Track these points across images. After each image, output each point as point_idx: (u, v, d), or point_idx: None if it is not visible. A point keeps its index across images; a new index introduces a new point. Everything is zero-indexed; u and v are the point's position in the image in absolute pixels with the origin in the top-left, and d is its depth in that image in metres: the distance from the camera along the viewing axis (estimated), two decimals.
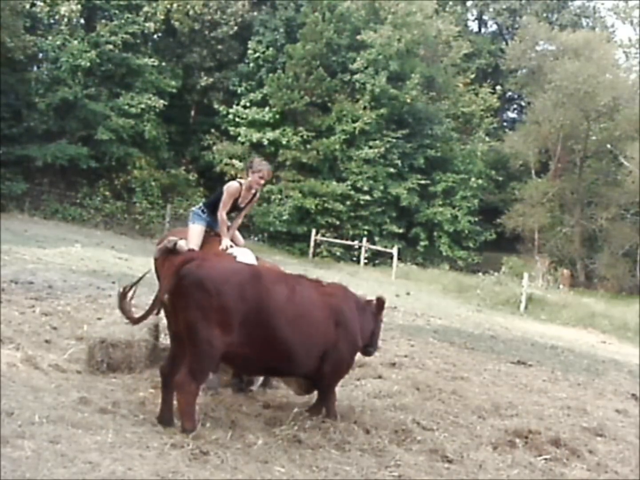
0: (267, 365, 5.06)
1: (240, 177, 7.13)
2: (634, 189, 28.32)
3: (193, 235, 6.09)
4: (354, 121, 28.05)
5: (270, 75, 28.40)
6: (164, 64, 28.19)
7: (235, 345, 4.68)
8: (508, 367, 9.29)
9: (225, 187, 6.21)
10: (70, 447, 3.95)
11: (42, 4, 25.92)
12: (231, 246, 6.08)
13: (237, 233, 6.46)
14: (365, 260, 26.56)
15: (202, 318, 4.55)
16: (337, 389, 5.62)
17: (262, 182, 6.23)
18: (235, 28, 29.35)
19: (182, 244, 6.10)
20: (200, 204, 6.43)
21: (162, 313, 6.81)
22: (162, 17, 27.50)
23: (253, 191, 6.26)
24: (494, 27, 43.28)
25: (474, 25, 43.54)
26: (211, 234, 6.22)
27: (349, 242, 27.28)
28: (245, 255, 5.84)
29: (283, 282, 5.04)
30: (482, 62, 37.27)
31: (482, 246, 29.93)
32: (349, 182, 27.85)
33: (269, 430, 4.91)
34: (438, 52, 33.51)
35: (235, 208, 6.29)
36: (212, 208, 6.21)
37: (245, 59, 30.35)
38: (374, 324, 5.72)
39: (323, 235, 26.95)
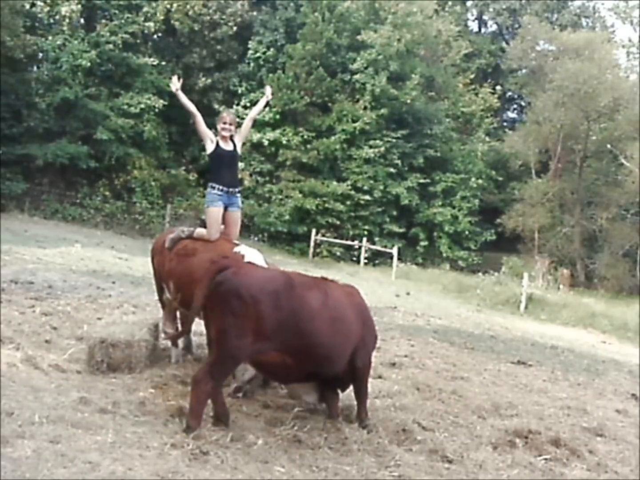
0: (308, 371, 5.10)
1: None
2: (634, 189, 28.31)
3: (212, 220, 6.25)
4: (354, 121, 28.05)
5: (271, 75, 28.41)
6: (163, 63, 28.20)
7: (273, 354, 4.75)
8: (508, 367, 9.29)
9: None
10: (70, 447, 3.96)
11: (42, 4, 25.93)
12: (238, 244, 6.11)
13: (235, 230, 6.48)
14: (365, 260, 26.57)
15: (234, 325, 4.58)
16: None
17: (226, 126, 6.43)
18: (235, 28, 29.35)
19: (201, 231, 6.18)
20: (209, 183, 6.50)
21: (161, 314, 6.89)
22: (162, 17, 27.49)
23: (228, 137, 6.46)
24: (494, 27, 43.28)
25: (474, 25, 43.57)
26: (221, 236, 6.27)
27: (349, 242, 27.28)
28: (253, 255, 5.83)
29: (315, 286, 5.10)
30: (482, 62, 37.26)
31: (482, 246, 29.92)
32: (349, 182, 27.85)
33: (269, 430, 4.91)
34: (438, 52, 33.50)
35: (225, 158, 6.43)
36: (214, 176, 6.41)
37: (246, 59, 30.36)
38: None
39: (323, 235, 26.95)
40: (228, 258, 5.03)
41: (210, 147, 6.42)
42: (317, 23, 28.50)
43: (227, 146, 6.47)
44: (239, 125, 6.72)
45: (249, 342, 4.61)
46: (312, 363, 5.00)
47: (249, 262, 5.30)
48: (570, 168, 32.70)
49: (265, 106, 7.35)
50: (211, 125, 6.69)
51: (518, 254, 29.34)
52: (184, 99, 6.53)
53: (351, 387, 5.50)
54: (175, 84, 6.49)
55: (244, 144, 6.94)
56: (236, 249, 5.94)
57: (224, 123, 6.44)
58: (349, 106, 28.36)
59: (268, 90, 7.19)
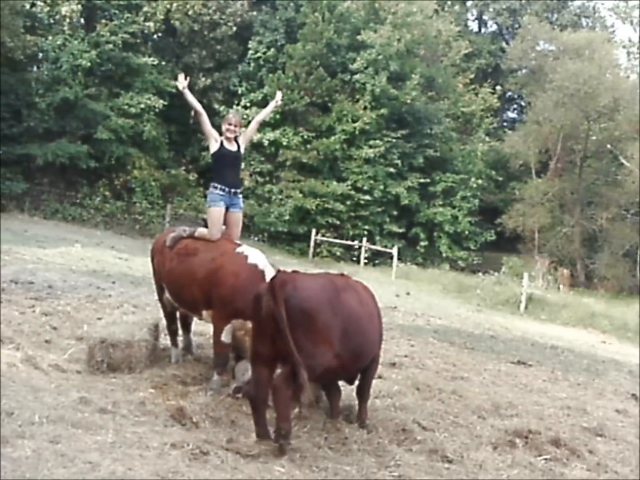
0: (357, 369, 5.24)
1: None
2: (634, 189, 28.32)
3: (213, 220, 6.23)
4: (354, 121, 28.05)
5: (271, 75, 28.43)
6: (163, 63, 28.22)
7: (335, 359, 4.81)
8: (508, 367, 9.29)
9: None
10: (70, 447, 3.95)
11: (42, 4, 25.95)
12: (240, 244, 6.11)
13: (237, 230, 6.47)
14: (365, 260, 26.56)
15: (306, 339, 4.62)
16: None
17: (232, 127, 6.42)
18: (235, 28, 29.36)
19: (202, 231, 6.17)
20: (211, 183, 6.48)
21: (161, 314, 6.89)
22: (162, 17, 27.50)
23: (232, 138, 6.46)
24: (494, 27, 43.28)
25: (474, 25, 43.58)
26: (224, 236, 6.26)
27: (349, 242, 27.28)
28: (256, 255, 5.83)
29: (348, 286, 5.16)
30: (482, 62, 37.26)
31: (482, 246, 29.92)
32: (349, 182, 27.85)
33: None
34: (438, 52, 33.52)
35: (228, 158, 6.41)
36: (216, 176, 6.38)
37: (246, 59, 30.37)
38: None
39: (323, 235, 26.95)
40: (282, 272, 4.94)
41: (214, 147, 6.40)
42: (317, 23, 28.50)
43: (232, 147, 6.45)
44: (247, 124, 6.73)
45: (323, 351, 4.70)
46: (361, 361, 5.17)
47: (295, 271, 5.19)
48: (570, 168, 32.71)
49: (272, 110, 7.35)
50: (214, 126, 6.70)
51: (518, 254, 29.34)
52: (190, 97, 6.48)
53: (352, 388, 5.50)
54: (182, 82, 6.42)
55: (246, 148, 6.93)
56: (238, 249, 5.93)
57: (230, 124, 6.41)
58: (349, 106, 28.37)
59: (279, 95, 7.22)
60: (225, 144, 6.41)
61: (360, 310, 5.07)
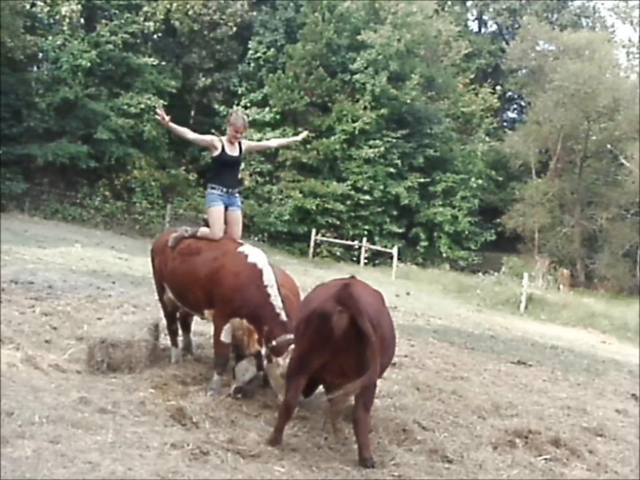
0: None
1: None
2: (634, 189, 28.32)
3: (214, 219, 6.20)
4: (354, 121, 28.05)
5: (271, 75, 28.42)
6: (163, 63, 28.22)
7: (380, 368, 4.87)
8: (508, 367, 9.29)
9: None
10: (70, 447, 3.95)
11: (42, 4, 25.95)
12: (242, 244, 6.11)
13: (237, 228, 6.45)
14: (365, 260, 26.56)
15: (372, 353, 4.59)
16: None
17: (237, 134, 6.32)
18: (235, 28, 29.37)
19: (205, 230, 6.18)
20: (210, 184, 6.44)
21: (161, 314, 6.89)
22: (162, 17, 27.50)
23: (236, 144, 6.36)
24: (494, 27, 43.30)
25: (474, 25, 43.60)
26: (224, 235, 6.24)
27: (349, 242, 27.28)
28: (257, 254, 5.83)
29: (370, 290, 5.15)
30: (482, 62, 37.27)
31: (482, 246, 29.92)
32: (349, 182, 27.86)
33: (269, 430, 4.91)
34: (438, 52, 33.51)
35: (228, 163, 6.34)
36: (215, 178, 6.34)
37: (246, 59, 30.37)
38: None
39: (323, 235, 26.95)
40: (346, 284, 4.76)
41: (215, 152, 6.32)
42: (317, 23, 28.50)
43: (233, 151, 6.36)
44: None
45: (380, 361, 4.73)
46: (389, 362, 5.27)
47: (353, 280, 5.06)
48: (570, 168, 32.71)
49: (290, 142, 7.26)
50: (210, 125, 6.67)
51: (518, 254, 29.34)
52: (177, 129, 6.37)
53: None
54: (163, 117, 6.19)
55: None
56: (240, 249, 5.93)
57: (236, 131, 6.29)
58: (349, 106, 28.36)
59: (304, 134, 7.20)
60: (227, 147, 6.32)
61: (388, 314, 5.19)
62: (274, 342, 5.30)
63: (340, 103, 28.46)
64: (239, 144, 6.43)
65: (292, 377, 4.76)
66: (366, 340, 4.43)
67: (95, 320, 7.49)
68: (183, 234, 6.27)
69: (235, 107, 28.27)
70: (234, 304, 5.57)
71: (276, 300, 5.49)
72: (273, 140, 6.90)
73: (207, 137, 6.53)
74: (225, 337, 5.71)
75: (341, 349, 4.52)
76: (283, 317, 5.43)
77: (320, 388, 5.69)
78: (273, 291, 5.52)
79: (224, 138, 6.39)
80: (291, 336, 5.17)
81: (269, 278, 5.58)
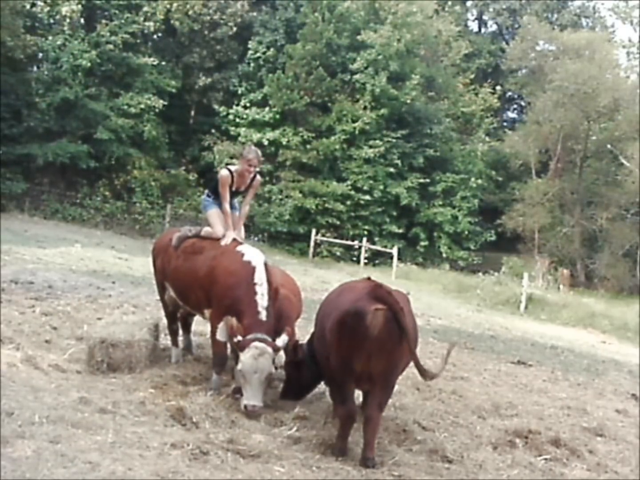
0: None
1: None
2: (634, 189, 28.31)
3: (214, 220, 6.25)
4: (354, 121, 28.04)
5: (270, 75, 28.41)
6: (163, 63, 28.22)
7: None
8: (508, 367, 9.30)
9: (218, 177, 6.38)
10: (70, 447, 3.96)
11: (42, 4, 25.93)
12: (241, 243, 6.11)
13: (238, 229, 6.44)
14: (365, 260, 26.55)
15: (401, 355, 4.62)
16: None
17: (252, 169, 6.30)
18: (235, 28, 29.36)
19: (208, 229, 6.21)
20: (206, 191, 6.54)
21: (162, 313, 6.90)
22: (162, 17, 27.50)
23: (249, 177, 6.33)
24: (494, 27, 43.30)
25: (474, 25, 43.58)
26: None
27: (349, 242, 27.27)
28: (255, 254, 5.83)
29: (394, 290, 5.10)
30: (482, 62, 37.25)
31: (482, 246, 29.91)
32: (349, 182, 27.84)
33: (269, 430, 4.91)
34: (438, 52, 33.49)
35: (235, 194, 6.38)
36: (216, 193, 6.36)
37: (246, 59, 30.36)
38: None
39: (323, 235, 26.95)
40: (379, 286, 4.74)
41: (223, 184, 6.26)
42: (317, 23, 28.49)
43: (241, 185, 6.34)
44: (247, 123, 6.61)
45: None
46: (407, 365, 5.22)
47: (367, 282, 5.02)
48: (570, 168, 32.70)
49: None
50: (210, 125, 6.66)
51: (518, 254, 29.33)
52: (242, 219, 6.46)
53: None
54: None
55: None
56: (238, 248, 5.93)
57: (250, 165, 6.26)
58: (349, 106, 28.35)
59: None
60: (238, 182, 6.27)
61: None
62: (239, 337, 5.28)
63: (340, 103, 28.45)
64: (252, 177, 6.37)
65: (341, 386, 4.73)
66: (404, 337, 4.42)
67: (95, 320, 7.49)
68: (187, 233, 6.30)
69: (235, 107, 28.22)
70: (226, 302, 5.59)
71: (261, 299, 5.48)
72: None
73: (225, 185, 6.28)
74: (220, 335, 5.71)
75: (375, 352, 4.47)
76: (263, 316, 5.43)
77: (320, 388, 5.70)
78: (261, 289, 5.52)
79: (234, 169, 6.35)
80: (264, 336, 5.26)
81: (260, 277, 5.58)
